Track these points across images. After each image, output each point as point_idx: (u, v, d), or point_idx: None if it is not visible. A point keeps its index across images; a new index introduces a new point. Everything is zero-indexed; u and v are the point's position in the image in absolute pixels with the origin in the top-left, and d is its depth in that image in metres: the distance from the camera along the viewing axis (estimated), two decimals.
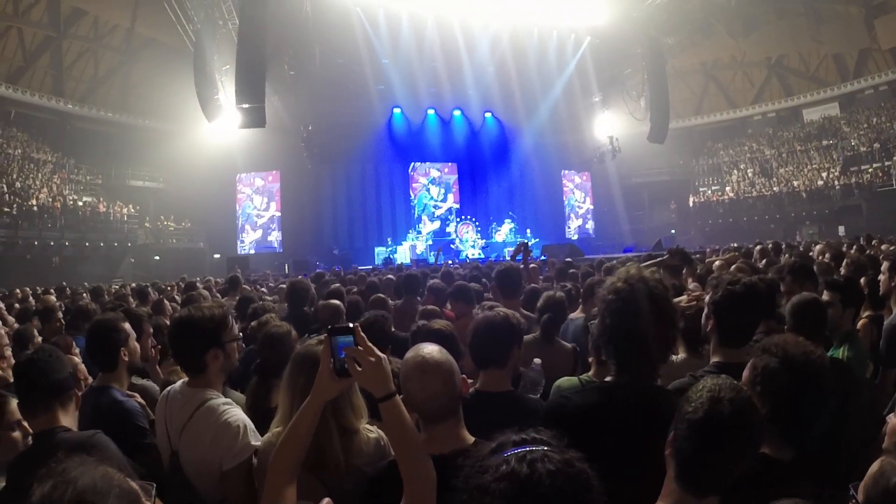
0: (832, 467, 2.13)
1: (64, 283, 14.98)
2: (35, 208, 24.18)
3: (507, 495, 1.07)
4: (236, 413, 2.59)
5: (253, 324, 3.85)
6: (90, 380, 3.48)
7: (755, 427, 1.68)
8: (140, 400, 3.11)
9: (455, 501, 1.16)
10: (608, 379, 2.31)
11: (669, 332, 2.28)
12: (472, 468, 1.16)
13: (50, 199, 25.17)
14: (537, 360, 3.19)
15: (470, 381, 2.36)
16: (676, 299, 3.53)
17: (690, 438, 1.64)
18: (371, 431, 2.37)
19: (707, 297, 2.81)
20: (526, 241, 10.81)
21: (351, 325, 1.91)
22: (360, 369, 1.85)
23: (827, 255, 7.78)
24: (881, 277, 4.42)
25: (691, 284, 5.03)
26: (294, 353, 2.43)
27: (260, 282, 12.99)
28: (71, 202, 26.24)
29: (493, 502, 1.08)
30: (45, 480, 1.15)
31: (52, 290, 11.68)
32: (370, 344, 1.88)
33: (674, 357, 3.28)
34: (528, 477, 1.08)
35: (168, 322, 5.79)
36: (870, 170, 30.61)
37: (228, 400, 2.69)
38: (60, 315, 6.45)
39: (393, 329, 4.76)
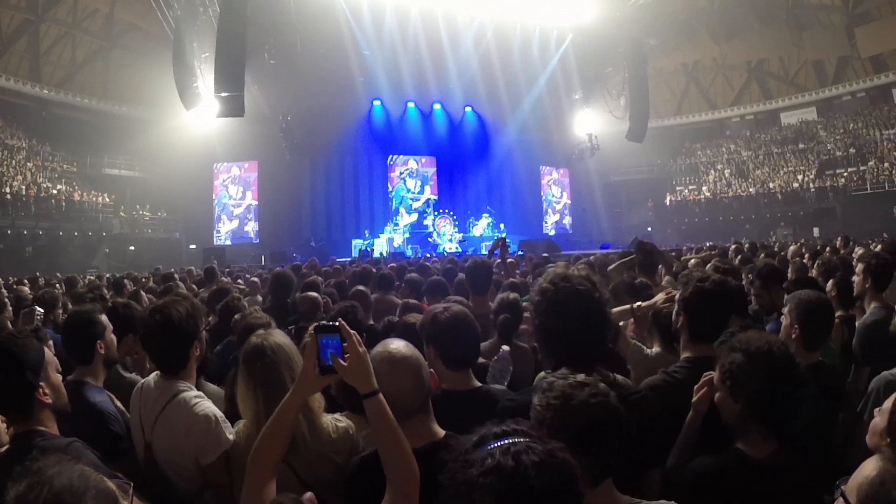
0: (818, 466, 2.17)
1: (37, 274, 14.74)
2: (8, 196, 23.72)
3: (495, 489, 1.07)
4: (208, 405, 2.59)
5: (237, 317, 3.83)
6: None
7: (613, 411, 1.70)
8: (118, 404, 3.02)
9: (441, 497, 1.15)
10: (545, 376, 2.34)
11: (600, 326, 2.30)
12: (455, 463, 1.16)
13: (24, 188, 24.70)
14: (505, 347, 3.22)
15: None
16: (653, 299, 3.60)
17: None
18: (340, 421, 2.39)
19: (677, 294, 2.86)
20: (503, 235, 10.83)
21: (337, 323, 1.91)
22: (346, 365, 1.86)
23: (806, 256, 7.93)
24: (856, 278, 4.50)
25: (666, 279, 5.09)
26: (244, 351, 2.42)
27: (236, 274, 12.87)
28: (45, 190, 25.77)
29: (483, 498, 1.08)
30: (20, 480, 1.13)
31: (25, 281, 11.47)
32: (356, 340, 1.89)
33: (648, 351, 3.36)
34: (514, 470, 1.08)
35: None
36: (845, 174, 31.15)
37: (200, 393, 2.68)
38: (10, 310, 6.26)
39: (371, 322, 4.77)
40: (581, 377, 1.76)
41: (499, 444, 1.14)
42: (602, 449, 1.64)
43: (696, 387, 2.32)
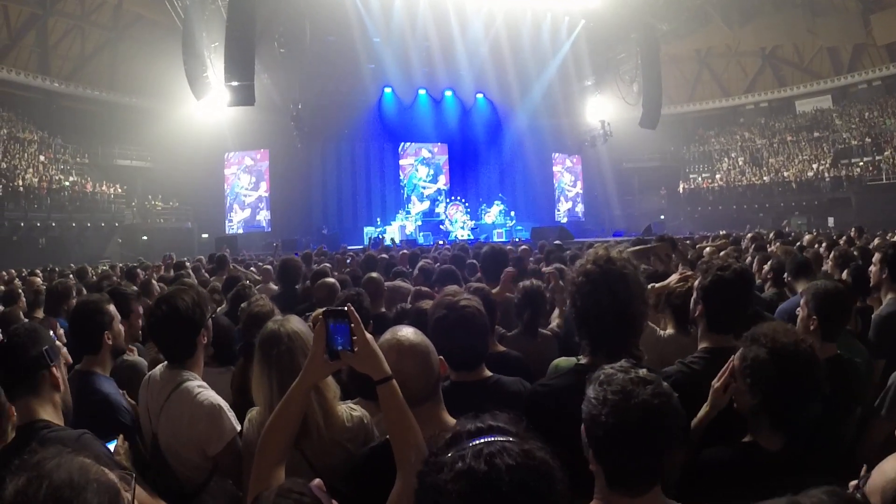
0: (828, 460, 2.11)
1: (51, 265, 14.83)
2: (21, 189, 23.94)
3: (464, 496, 1.00)
4: (211, 395, 2.60)
5: (243, 305, 3.82)
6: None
7: (674, 414, 1.60)
8: (129, 399, 3.03)
9: (415, 499, 1.09)
10: (583, 360, 2.30)
11: (641, 309, 2.26)
12: (426, 464, 1.09)
13: (36, 180, 24.89)
14: None
15: None
16: (667, 280, 3.55)
17: (612, 450, 1.55)
18: (355, 410, 2.39)
19: (696, 282, 2.79)
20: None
21: (345, 308, 1.89)
22: (355, 353, 1.84)
23: (824, 245, 7.89)
24: (872, 269, 4.43)
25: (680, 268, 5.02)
26: (260, 337, 2.42)
27: (247, 262, 12.89)
28: (57, 182, 25.95)
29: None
30: (18, 474, 1.09)
31: (38, 272, 11.54)
32: (363, 327, 1.87)
33: (661, 332, 3.32)
34: (486, 475, 1.01)
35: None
36: (860, 163, 30.80)
37: (203, 383, 2.69)
38: (24, 300, 6.29)
39: (383, 310, 4.74)
40: (643, 372, 1.65)
41: (473, 443, 1.07)
42: (658, 452, 1.54)
43: (714, 384, 2.24)
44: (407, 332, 2.10)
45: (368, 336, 1.87)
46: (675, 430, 1.59)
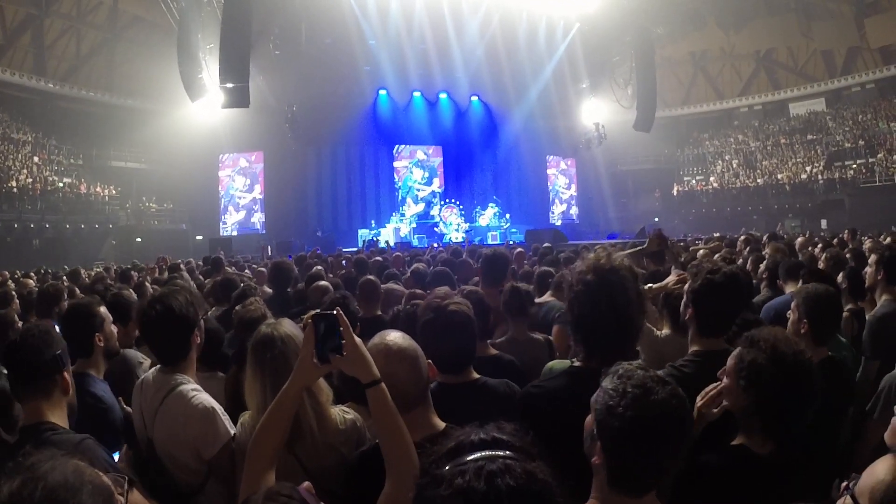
0: (821, 462, 2.11)
1: (44, 267, 14.78)
2: (15, 190, 23.84)
3: None
4: (205, 398, 2.59)
5: (238, 308, 3.82)
6: None
7: (688, 418, 1.62)
8: (123, 404, 3.04)
9: None
10: (577, 363, 2.31)
11: (637, 316, 2.26)
12: (426, 474, 1.06)
13: (30, 181, 24.79)
14: None
15: None
16: (664, 280, 3.56)
17: (624, 443, 1.54)
18: (348, 413, 2.39)
19: (686, 286, 2.79)
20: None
21: (334, 311, 1.90)
22: (344, 356, 1.85)
23: (819, 247, 7.93)
24: (868, 270, 4.45)
25: (674, 271, 5.05)
26: (253, 341, 2.42)
27: (241, 264, 12.86)
28: (51, 183, 25.84)
29: None
30: (13, 476, 1.09)
31: (31, 274, 11.51)
32: (351, 331, 1.88)
33: (658, 333, 3.33)
34: (485, 496, 0.96)
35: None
36: (854, 166, 30.92)
37: (198, 386, 2.68)
38: (18, 302, 6.27)
39: (379, 313, 4.73)
40: (661, 373, 1.67)
41: (474, 456, 1.03)
42: (668, 453, 1.55)
43: (698, 402, 2.21)
44: (395, 337, 2.10)
45: (357, 339, 1.87)
46: (686, 434, 1.60)
